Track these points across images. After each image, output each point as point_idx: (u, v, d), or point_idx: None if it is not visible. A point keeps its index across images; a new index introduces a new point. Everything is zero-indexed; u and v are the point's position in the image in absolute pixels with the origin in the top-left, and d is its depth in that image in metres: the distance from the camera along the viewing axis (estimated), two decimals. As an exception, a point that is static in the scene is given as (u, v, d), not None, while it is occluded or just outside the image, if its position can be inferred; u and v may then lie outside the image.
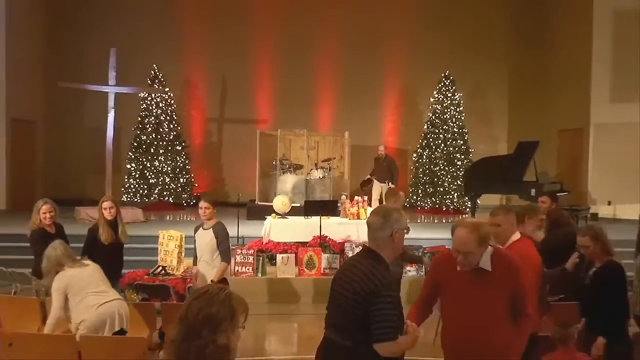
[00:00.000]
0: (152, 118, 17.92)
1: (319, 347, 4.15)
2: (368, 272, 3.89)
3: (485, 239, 4.23)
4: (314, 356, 4.26)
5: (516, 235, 5.09)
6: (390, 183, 16.15)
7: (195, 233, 8.04)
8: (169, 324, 2.71)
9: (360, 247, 10.09)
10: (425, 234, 13.10)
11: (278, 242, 11.58)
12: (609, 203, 16.22)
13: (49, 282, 6.31)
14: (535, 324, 4.82)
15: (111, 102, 15.26)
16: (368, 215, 4.64)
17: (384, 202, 9.01)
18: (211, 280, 7.58)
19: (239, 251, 10.57)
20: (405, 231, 4.07)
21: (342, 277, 4.05)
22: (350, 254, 11.20)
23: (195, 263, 8.05)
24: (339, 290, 4.01)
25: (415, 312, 4.52)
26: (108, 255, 7.54)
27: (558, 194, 14.85)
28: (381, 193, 16.08)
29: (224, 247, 7.87)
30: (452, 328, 4.36)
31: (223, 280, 7.81)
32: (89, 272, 6.33)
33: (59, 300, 6.12)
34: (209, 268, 7.78)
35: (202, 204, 7.96)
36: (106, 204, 8.16)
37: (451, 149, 18.11)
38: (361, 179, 17.65)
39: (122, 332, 6.17)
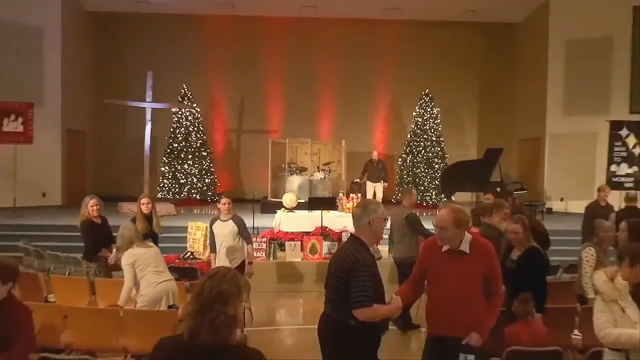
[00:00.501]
0: (182, 129, 17.94)
1: (320, 320, 4.20)
2: (350, 253, 4.02)
3: (460, 222, 4.27)
4: (316, 327, 4.30)
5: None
6: (383, 182, 16.21)
7: (212, 225, 8.10)
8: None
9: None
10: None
11: (286, 232, 11.56)
12: (562, 199, 16.23)
13: (119, 257, 6.38)
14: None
15: (148, 115, 15.34)
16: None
17: (401, 200, 9.00)
18: (249, 262, 8.00)
19: (254, 239, 10.59)
20: (385, 220, 4.17)
21: (334, 260, 4.17)
22: (346, 242, 11.27)
23: (212, 250, 8.10)
24: (332, 270, 4.11)
25: (407, 289, 4.55)
26: (144, 242, 7.57)
27: (518, 192, 14.96)
28: (374, 191, 16.11)
29: (247, 233, 8.16)
30: (436, 301, 4.37)
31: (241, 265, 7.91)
32: (153, 253, 6.37)
33: (130, 274, 6.15)
34: (231, 252, 7.88)
35: (225, 200, 8.05)
36: (144, 200, 8.23)
37: (430, 154, 18.11)
38: (354, 185, 17.75)
39: (173, 306, 6.22)
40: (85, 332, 5.88)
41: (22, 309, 4.17)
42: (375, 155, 16.46)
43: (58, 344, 5.81)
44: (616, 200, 13.15)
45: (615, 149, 14.78)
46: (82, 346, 5.82)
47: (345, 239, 11.16)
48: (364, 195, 14.93)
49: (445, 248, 4.34)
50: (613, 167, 14.74)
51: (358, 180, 16.40)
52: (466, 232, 4.36)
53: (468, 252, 4.28)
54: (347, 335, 3.94)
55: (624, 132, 14.77)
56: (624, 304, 4.00)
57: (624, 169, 14.66)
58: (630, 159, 14.67)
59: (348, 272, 3.92)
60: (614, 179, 14.55)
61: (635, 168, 14.60)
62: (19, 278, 4.29)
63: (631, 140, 14.70)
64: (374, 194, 15.80)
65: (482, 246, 4.36)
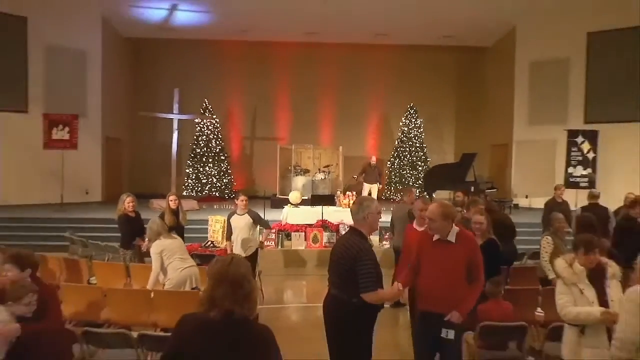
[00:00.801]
0: (204, 137, 17.94)
1: (325, 299, 4.23)
2: (353, 244, 4.05)
3: (447, 215, 4.32)
4: (318, 304, 4.31)
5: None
6: (378, 184, 16.13)
7: (229, 218, 8.09)
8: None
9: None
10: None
11: (292, 224, 11.57)
12: (526, 196, 16.21)
13: (148, 248, 6.44)
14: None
15: (175, 125, 15.32)
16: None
17: (402, 197, 8.99)
18: (260, 242, 8.14)
19: (265, 230, 10.61)
20: (378, 214, 4.19)
21: (336, 249, 4.18)
22: (343, 232, 11.24)
23: (228, 239, 8.08)
24: (335, 259, 4.13)
25: (407, 275, 4.54)
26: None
27: (489, 190, 14.94)
28: (369, 191, 15.96)
29: (263, 221, 8.23)
30: (426, 282, 4.36)
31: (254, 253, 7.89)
32: (178, 244, 6.37)
33: (157, 262, 6.15)
34: (246, 242, 7.86)
35: (242, 197, 8.05)
36: (172, 197, 8.22)
37: (414, 158, 18.14)
38: (352, 182, 17.70)
39: (196, 289, 6.21)
40: (121, 309, 5.87)
41: (46, 289, 4.13)
42: (373, 160, 16.31)
43: (98, 320, 5.81)
44: (572, 197, 13.18)
45: (572, 153, 14.80)
46: (119, 321, 5.82)
47: (343, 230, 11.30)
48: (359, 193, 14.86)
49: (435, 238, 4.39)
50: (570, 169, 14.75)
51: (355, 176, 16.28)
52: (453, 225, 4.39)
53: (454, 242, 4.33)
54: (350, 312, 3.98)
55: (579, 139, 14.79)
56: (582, 286, 3.99)
57: (579, 170, 14.68)
58: (585, 162, 14.69)
59: (353, 261, 3.95)
60: (571, 180, 14.56)
61: (589, 170, 14.62)
62: (38, 265, 4.26)
63: (586, 146, 14.72)
64: (369, 193, 15.74)
65: (466, 238, 4.41)
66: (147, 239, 6.58)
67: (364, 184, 15.93)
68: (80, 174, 15.39)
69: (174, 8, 15.99)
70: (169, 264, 6.16)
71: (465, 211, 7.25)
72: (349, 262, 3.96)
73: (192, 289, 6.17)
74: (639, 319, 3.36)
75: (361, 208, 4.12)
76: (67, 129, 14.02)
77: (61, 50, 15.56)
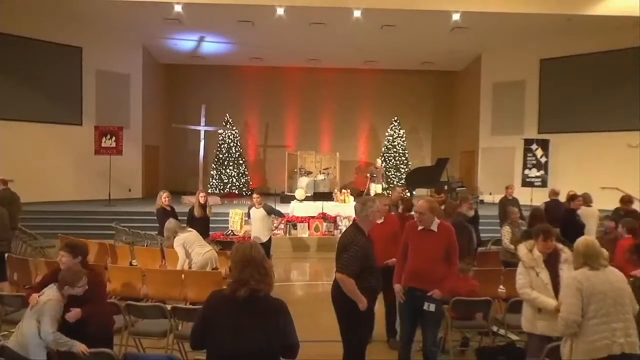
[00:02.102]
0: (225, 145, 17.88)
1: (332, 285, 4.02)
2: (348, 234, 4.01)
3: (433, 209, 4.33)
4: (319, 282, 4.27)
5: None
6: (383, 183, 15.96)
7: (249, 210, 8.07)
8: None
9: (344, 219, 10.07)
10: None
11: (298, 216, 11.56)
12: (490, 194, 16.10)
13: (169, 244, 6.39)
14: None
15: (202, 135, 15.34)
16: (351, 201, 4.65)
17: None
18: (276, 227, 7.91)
19: (275, 221, 10.59)
20: (378, 211, 4.23)
21: (339, 240, 4.11)
22: (339, 224, 11.26)
23: (246, 223, 8.07)
24: (338, 247, 4.01)
25: (400, 263, 4.45)
26: (200, 224, 7.51)
27: (459, 188, 14.88)
28: (375, 190, 15.48)
29: (276, 211, 8.18)
30: (412, 263, 4.32)
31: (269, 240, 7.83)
32: (194, 235, 6.35)
33: (182, 252, 6.15)
34: (262, 230, 7.82)
35: (255, 195, 8.04)
36: (202, 194, 8.17)
37: (398, 162, 18.07)
38: (347, 181, 17.81)
39: (216, 269, 6.20)
40: (157, 286, 5.86)
41: (94, 274, 4.10)
42: (379, 164, 15.89)
43: (139, 295, 5.79)
44: (528, 194, 13.14)
45: (528, 158, 14.75)
46: (155, 296, 5.80)
47: (340, 221, 11.23)
48: (361, 193, 14.57)
49: (420, 227, 4.36)
50: (526, 171, 14.70)
51: (368, 175, 15.77)
52: (436, 217, 4.37)
53: (436, 230, 4.30)
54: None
55: (534, 146, 14.75)
56: (538, 270, 3.94)
57: (534, 172, 14.63)
58: (538, 166, 14.64)
59: (344, 247, 3.89)
60: (527, 180, 14.52)
61: (542, 172, 14.57)
62: (88, 253, 4.29)
63: (539, 152, 14.68)
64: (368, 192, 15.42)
65: (445, 227, 4.38)
66: (165, 238, 6.56)
67: (370, 184, 15.64)
68: (124, 175, 15.31)
69: (201, 39, 15.96)
70: (192, 251, 6.16)
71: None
72: (343, 248, 3.89)
73: (213, 269, 6.15)
74: (576, 300, 3.30)
75: (364, 207, 4.04)
76: (113, 138, 13.98)
77: (109, 74, 15.53)
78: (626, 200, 8.12)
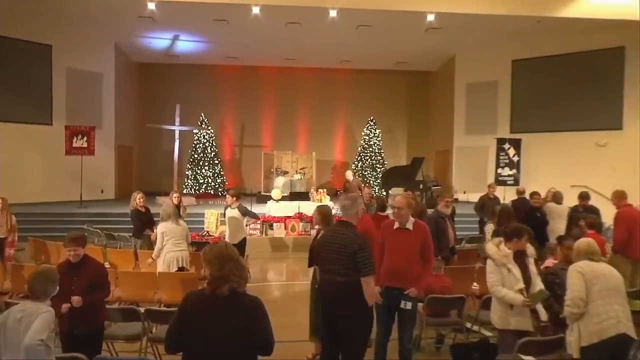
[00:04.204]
0: (201, 144, 17.69)
1: (329, 288, 3.89)
2: (354, 236, 3.89)
3: (410, 204, 4.41)
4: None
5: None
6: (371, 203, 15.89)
7: (225, 211, 8.01)
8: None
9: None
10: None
11: (274, 216, 11.51)
12: (464, 192, 16.38)
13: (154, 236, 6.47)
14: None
15: (176, 135, 15.16)
16: (327, 200, 4.61)
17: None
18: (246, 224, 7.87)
19: (252, 221, 10.51)
20: (363, 208, 4.25)
21: (334, 241, 3.92)
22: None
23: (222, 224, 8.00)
24: (335, 249, 3.87)
25: (379, 263, 4.40)
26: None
27: (435, 187, 15.07)
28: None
29: (251, 213, 8.12)
30: (389, 262, 4.33)
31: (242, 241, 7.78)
32: (179, 230, 6.26)
33: (159, 240, 6.15)
34: (235, 230, 7.71)
35: (228, 195, 7.98)
36: (175, 194, 8.09)
37: (374, 162, 18.17)
38: (323, 181, 17.83)
39: (183, 269, 6.11)
40: (131, 289, 5.77)
41: (100, 265, 4.26)
42: (350, 176, 13.65)
43: (111, 298, 5.66)
44: (501, 192, 13.36)
45: (501, 157, 14.99)
46: (128, 299, 5.71)
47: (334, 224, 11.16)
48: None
49: (396, 226, 4.38)
50: (499, 170, 14.94)
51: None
52: (411, 216, 4.40)
53: (411, 229, 4.34)
54: (358, 289, 3.77)
55: (506, 145, 15.00)
56: (510, 266, 4.02)
57: (506, 171, 14.88)
58: (511, 164, 14.90)
59: (356, 250, 3.77)
60: (500, 178, 14.75)
61: (514, 170, 14.83)
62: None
63: (511, 152, 14.93)
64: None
65: (420, 226, 4.43)
66: (155, 230, 6.51)
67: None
68: (97, 176, 15.03)
69: (176, 38, 15.77)
70: (165, 245, 6.13)
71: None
72: (354, 251, 3.76)
73: (179, 268, 6.10)
74: (578, 281, 3.56)
75: (355, 204, 4.06)
76: (85, 138, 13.69)
77: (80, 72, 15.18)
78: (584, 196, 8.40)
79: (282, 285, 8.60)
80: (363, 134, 18.54)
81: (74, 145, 13.58)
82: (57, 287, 3.21)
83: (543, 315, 4.01)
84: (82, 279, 3.90)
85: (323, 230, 4.66)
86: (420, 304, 4.84)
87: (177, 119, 15.02)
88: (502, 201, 10.03)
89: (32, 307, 3.02)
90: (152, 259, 6.26)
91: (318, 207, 4.96)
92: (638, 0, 12.20)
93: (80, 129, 13.77)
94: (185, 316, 2.54)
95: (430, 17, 12.67)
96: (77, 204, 13.61)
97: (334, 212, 4.48)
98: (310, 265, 4.91)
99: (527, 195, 9.23)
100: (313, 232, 8.31)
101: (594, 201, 8.67)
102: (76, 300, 3.80)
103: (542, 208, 8.42)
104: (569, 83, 14.69)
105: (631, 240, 6.30)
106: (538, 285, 4.05)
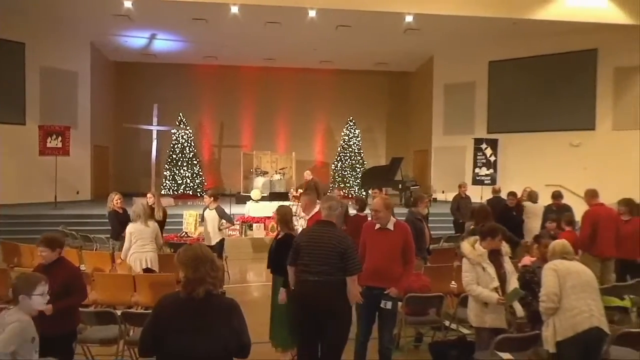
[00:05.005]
0: (179, 144, 17.49)
1: (311, 289, 3.86)
2: (341, 236, 3.97)
3: (388, 205, 4.39)
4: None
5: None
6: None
7: (203, 212, 7.94)
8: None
9: (300, 218, 9.91)
10: (339, 211, 13.10)
11: (254, 216, 11.46)
12: (443, 192, 16.54)
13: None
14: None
15: (154, 135, 14.95)
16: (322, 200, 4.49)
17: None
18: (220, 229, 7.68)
19: (227, 225, 10.36)
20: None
21: (318, 241, 3.93)
22: (295, 224, 11.16)
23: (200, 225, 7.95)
24: (323, 249, 3.87)
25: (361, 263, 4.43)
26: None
27: (413, 187, 15.18)
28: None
29: (227, 216, 7.95)
30: (370, 262, 4.34)
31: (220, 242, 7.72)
32: (148, 231, 6.20)
33: (128, 238, 6.13)
34: (214, 232, 7.66)
35: (205, 196, 7.94)
36: (149, 195, 7.98)
37: (353, 162, 18.19)
38: (303, 181, 17.62)
39: (149, 270, 6.10)
40: (107, 291, 5.67)
41: (75, 268, 4.13)
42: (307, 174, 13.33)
43: (87, 301, 5.56)
44: (479, 192, 13.55)
45: (478, 157, 15.19)
46: (105, 302, 5.61)
47: (296, 221, 11.11)
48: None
49: (377, 227, 4.38)
50: (477, 170, 15.13)
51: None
52: (392, 216, 4.41)
53: (392, 229, 4.34)
54: (343, 288, 3.85)
55: (483, 145, 15.21)
56: (484, 265, 4.08)
57: (484, 171, 15.08)
58: (488, 164, 15.10)
59: (344, 250, 3.83)
60: (477, 178, 14.96)
61: (491, 170, 15.04)
62: (64, 244, 4.13)
63: (488, 152, 15.14)
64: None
65: (401, 226, 4.44)
66: (110, 241, 6.47)
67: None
68: (72, 177, 14.75)
69: (153, 37, 15.56)
70: (131, 245, 6.12)
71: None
72: (342, 251, 3.82)
73: (146, 269, 6.08)
74: (552, 277, 3.68)
75: (339, 205, 4.11)
76: (60, 138, 13.42)
77: (55, 71, 14.87)
78: (556, 195, 8.60)
79: (262, 286, 8.54)
80: (343, 134, 18.57)
81: (48, 145, 13.30)
82: (37, 291, 3.06)
83: (519, 311, 4.08)
84: (54, 283, 3.73)
85: (282, 232, 4.65)
86: (400, 303, 4.88)
87: (155, 119, 14.82)
88: (479, 200, 10.17)
89: (8, 316, 2.91)
90: (121, 259, 6.27)
91: (278, 207, 4.97)
92: (610, 3, 12.54)
93: (54, 128, 13.50)
94: (160, 319, 2.51)
95: (409, 18, 12.78)
96: (52, 205, 13.33)
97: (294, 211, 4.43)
98: (273, 268, 4.76)
99: (504, 195, 9.40)
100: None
101: (568, 200, 8.86)
102: (48, 309, 3.58)
103: (517, 207, 8.57)
104: (544, 84, 14.97)
105: (597, 238, 6.45)
106: (513, 283, 4.13)
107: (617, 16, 12.64)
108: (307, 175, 13.38)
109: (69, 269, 3.97)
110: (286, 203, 12.18)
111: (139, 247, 6.11)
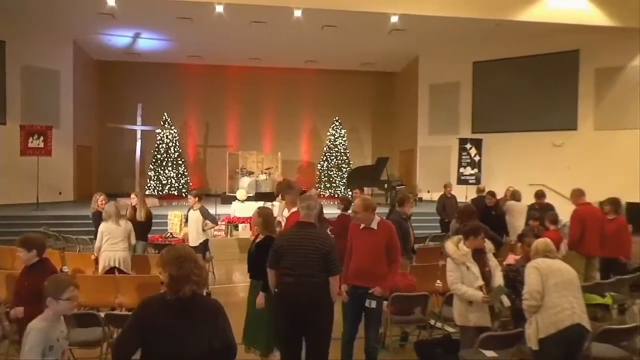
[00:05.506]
0: (164, 144, 17.30)
1: (296, 289, 3.82)
2: (324, 237, 4.01)
3: (367, 207, 4.37)
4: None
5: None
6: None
7: (188, 212, 7.88)
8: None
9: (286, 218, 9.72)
10: (326, 210, 13.08)
11: (239, 217, 11.40)
12: (428, 191, 16.63)
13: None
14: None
15: (139, 135, 14.84)
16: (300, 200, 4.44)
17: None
18: (203, 229, 7.61)
19: (210, 225, 10.30)
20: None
21: (302, 243, 3.88)
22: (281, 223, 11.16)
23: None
24: (307, 251, 3.84)
25: (345, 265, 4.44)
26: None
27: (399, 187, 15.22)
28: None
29: (211, 217, 7.84)
30: (355, 261, 4.35)
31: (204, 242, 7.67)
32: (120, 230, 6.21)
33: (99, 237, 6.18)
34: (196, 233, 7.62)
35: (189, 196, 7.90)
36: (132, 196, 7.89)
37: (339, 162, 18.18)
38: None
39: (120, 271, 6.12)
40: (90, 293, 5.57)
41: (54, 270, 4.01)
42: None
43: (70, 303, 5.49)
44: (463, 191, 13.66)
45: (463, 157, 15.31)
46: (88, 303, 5.53)
47: (283, 222, 11.05)
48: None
49: (362, 226, 4.39)
50: (462, 169, 15.26)
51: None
52: (375, 215, 4.41)
53: (376, 228, 4.35)
54: (327, 288, 3.85)
55: (468, 145, 15.33)
56: (469, 264, 4.12)
57: (468, 170, 15.21)
58: (472, 164, 15.24)
59: (328, 252, 3.85)
60: (462, 177, 15.08)
61: (476, 170, 15.17)
62: (45, 246, 4.01)
63: (473, 151, 15.28)
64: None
65: (385, 225, 4.44)
66: (92, 242, 6.45)
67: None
68: (54, 177, 14.52)
69: (137, 36, 15.40)
70: (103, 244, 6.17)
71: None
72: (325, 252, 3.82)
73: (116, 269, 6.10)
74: (535, 276, 3.73)
75: (315, 204, 4.11)
76: (42, 138, 13.21)
77: (36, 70, 14.64)
78: (539, 194, 8.72)
79: (248, 287, 8.52)
80: (328, 134, 18.57)
81: (30, 145, 13.09)
82: (65, 295, 2.93)
83: (506, 301, 4.13)
84: (32, 284, 3.64)
85: (262, 235, 4.57)
86: (385, 303, 4.89)
87: (139, 119, 14.69)
88: (464, 200, 10.25)
89: (29, 326, 2.87)
90: (94, 256, 6.34)
91: (258, 208, 4.81)
92: (592, 5, 12.73)
93: (36, 128, 13.28)
94: (146, 321, 2.45)
95: (394, 19, 12.84)
96: (34, 206, 13.12)
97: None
98: (254, 272, 4.58)
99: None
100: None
101: (551, 199, 8.98)
102: (18, 311, 3.60)
103: (497, 206, 8.66)
104: (527, 84, 15.15)
105: (585, 237, 6.56)
106: (498, 276, 4.19)
107: (598, 18, 12.85)
108: (278, 177, 13.58)
109: (49, 272, 3.82)
110: (275, 203, 12.30)
111: (110, 245, 6.15)
